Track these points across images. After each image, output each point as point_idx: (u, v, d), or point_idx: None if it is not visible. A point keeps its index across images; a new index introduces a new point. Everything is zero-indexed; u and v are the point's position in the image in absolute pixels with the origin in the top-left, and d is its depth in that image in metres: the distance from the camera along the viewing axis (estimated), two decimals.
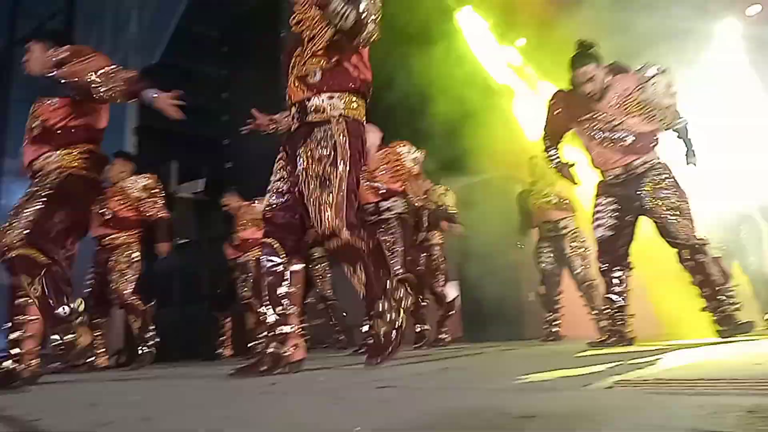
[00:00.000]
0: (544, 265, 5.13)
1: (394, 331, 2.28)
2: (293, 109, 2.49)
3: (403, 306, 2.37)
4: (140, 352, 4.41)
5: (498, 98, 6.55)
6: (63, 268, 2.62)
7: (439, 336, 5.55)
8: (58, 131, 2.74)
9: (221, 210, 6.78)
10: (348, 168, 2.36)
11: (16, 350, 2.54)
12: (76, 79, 2.59)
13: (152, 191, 4.58)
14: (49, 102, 2.79)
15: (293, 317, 2.43)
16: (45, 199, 2.61)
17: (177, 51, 8.17)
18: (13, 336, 2.62)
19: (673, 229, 3.16)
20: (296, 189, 2.42)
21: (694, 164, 3.26)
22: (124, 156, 4.85)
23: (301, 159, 2.37)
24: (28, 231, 2.55)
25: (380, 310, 2.28)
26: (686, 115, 3.27)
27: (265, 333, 2.47)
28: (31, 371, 2.54)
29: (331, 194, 2.32)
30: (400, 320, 2.32)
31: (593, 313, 4.87)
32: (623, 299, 3.27)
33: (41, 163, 2.73)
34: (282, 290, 2.42)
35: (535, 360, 2.56)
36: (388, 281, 2.35)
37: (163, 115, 2.53)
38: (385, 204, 4.28)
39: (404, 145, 4.26)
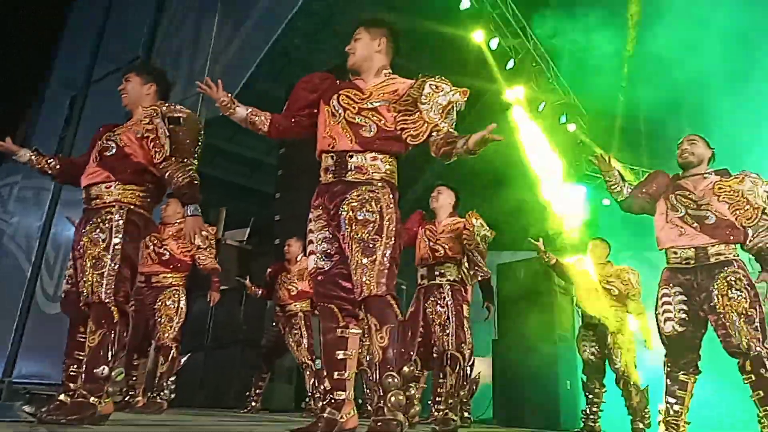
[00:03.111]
0: (586, 353, 5.02)
1: (396, 423, 2.14)
2: (330, 158, 2.45)
3: (410, 399, 2.28)
4: (155, 397, 4.38)
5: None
6: (126, 329, 2.60)
7: (465, 415, 5.38)
8: (132, 164, 2.70)
9: (262, 260, 6.87)
10: (393, 238, 2.34)
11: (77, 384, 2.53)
12: (159, 148, 2.63)
13: (210, 242, 4.69)
14: (129, 129, 2.74)
15: (349, 383, 2.41)
16: (119, 246, 2.59)
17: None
18: (72, 370, 2.66)
19: (736, 336, 2.98)
20: (342, 252, 2.39)
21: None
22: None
23: (345, 222, 2.35)
24: (112, 286, 2.55)
25: (390, 383, 2.19)
26: None
27: (321, 396, 2.45)
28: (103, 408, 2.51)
29: (374, 262, 2.29)
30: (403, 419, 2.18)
31: (630, 412, 4.73)
32: (682, 405, 3.08)
33: (99, 191, 2.68)
34: (340, 355, 2.40)
35: None
36: (407, 364, 2.26)
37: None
38: (439, 269, 4.22)
39: (478, 219, 4.19)
